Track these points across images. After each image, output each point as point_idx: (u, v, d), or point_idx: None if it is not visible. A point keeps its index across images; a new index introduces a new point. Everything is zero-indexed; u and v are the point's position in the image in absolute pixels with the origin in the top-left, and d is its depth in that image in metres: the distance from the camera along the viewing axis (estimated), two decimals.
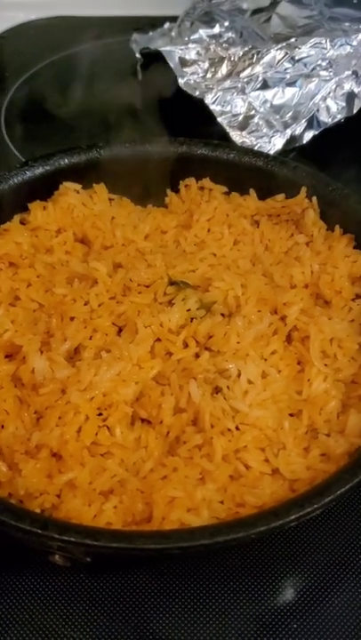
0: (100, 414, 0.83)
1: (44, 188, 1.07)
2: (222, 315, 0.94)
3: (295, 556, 0.82)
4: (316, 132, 1.26)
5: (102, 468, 0.79)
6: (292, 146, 1.25)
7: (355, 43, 1.28)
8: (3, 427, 0.83)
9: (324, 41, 1.27)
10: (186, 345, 0.90)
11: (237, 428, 0.81)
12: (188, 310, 0.92)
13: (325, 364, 0.89)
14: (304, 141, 1.25)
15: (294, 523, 0.69)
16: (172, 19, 1.48)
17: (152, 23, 1.54)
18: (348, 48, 1.27)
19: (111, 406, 0.83)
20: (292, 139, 1.25)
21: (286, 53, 1.26)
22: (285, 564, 0.82)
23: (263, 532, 0.67)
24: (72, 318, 0.91)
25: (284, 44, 1.27)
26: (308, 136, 1.26)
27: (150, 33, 1.52)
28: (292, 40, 1.28)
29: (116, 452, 0.80)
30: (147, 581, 0.80)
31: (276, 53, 1.26)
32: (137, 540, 0.67)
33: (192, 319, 0.91)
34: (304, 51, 1.27)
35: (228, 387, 0.84)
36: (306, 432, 0.83)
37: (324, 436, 0.83)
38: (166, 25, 1.52)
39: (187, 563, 0.80)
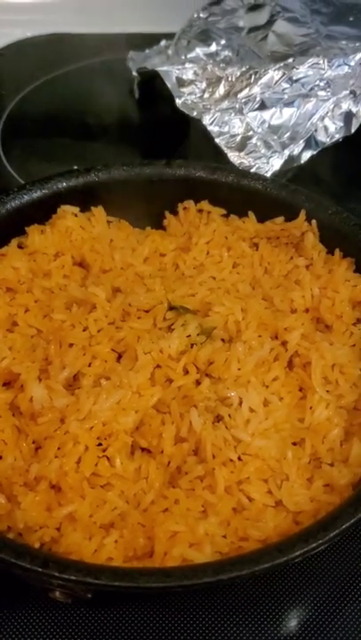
0: (100, 444, 0.82)
1: (42, 212, 1.06)
2: (223, 340, 0.93)
3: (299, 587, 0.81)
4: (315, 152, 1.25)
5: (102, 501, 0.78)
6: (290, 166, 1.24)
7: (352, 63, 1.27)
8: (1, 457, 0.82)
9: (321, 61, 1.27)
10: (186, 371, 0.89)
11: (240, 459, 0.80)
12: (189, 336, 0.91)
13: (327, 391, 0.88)
14: (302, 162, 1.25)
15: (299, 558, 0.68)
16: (169, 36, 1.47)
17: (148, 41, 1.54)
18: (345, 68, 1.27)
19: (111, 436, 0.82)
20: (291, 159, 1.24)
21: (284, 74, 1.26)
22: (289, 595, 0.81)
23: (267, 569, 0.66)
24: (71, 345, 0.90)
25: (281, 64, 1.26)
26: (306, 156, 1.25)
27: (147, 51, 1.52)
28: (290, 60, 1.27)
29: (116, 483, 0.79)
30: (149, 615, 0.78)
31: (273, 74, 1.26)
32: (139, 578, 0.66)
33: (192, 345, 0.90)
34: (302, 71, 1.26)
35: (229, 415, 0.83)
36: (309, 461, 0.82)
37: (328, 465, 0.82)
38: (163, 42, 1.51)
39: (190, 597, 0.79)
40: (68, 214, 1.06)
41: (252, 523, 0.75)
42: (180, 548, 0.72)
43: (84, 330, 0.92)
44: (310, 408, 0.86)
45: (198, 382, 0.88)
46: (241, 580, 0.66)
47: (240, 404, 0.84)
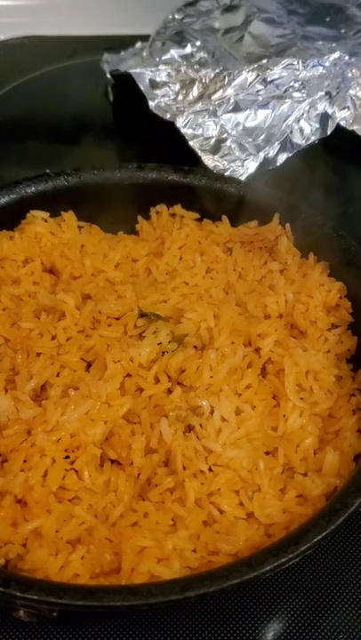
0: (68, 457, 0.79)
1: (11, 217, 1.04)
2: (195, 347, 0.91)
3: (272, 600, 0.79)
4: (290, 155, 1.23)
5: (70, 515, 0.75)
6: (265, 169, 1.22)
7: (327, 63, 1.26)
8: None
9: (296, 62, 1.25)
10: (157, 380, 0.87)
11: (210, 470, 0.78)
12: (160, 344, 0.89)
13: (301, 398, 0.86)
14: (278, 164, 1.23)
15: (269, 573, 0.66)
16: (144, 38, 1.45)
17: (124, 42, 1.52)
18: (320, 69, 1.25)
19: (79, 448, 0.80)
20: (266, 162, 1.22)
21: (258, 75, 1.24)
22: (262, 609, 0.79)
23: (236, 585, 0.64)
24: (39, 354, 0.88)
25: (255, 66, 1.25)
26: (281, 158, 1.23)
27: (122, 53, 1.49)
28: (264, 61, 1.25)
29: (84, 496, 0.77)
30: (117, 632, 0.76)
31: (247, 75, 1.24)
32: (103, 596, 0.63)
33: (163, 353, 0.88)
34: (276, 72, 1.24)
35: (200, 425, 0.82)
36: (282, 471, 0.81)
37: (301, 475, 0.80)
38: (138, 44, 1.49)
39: (158, 613, 0.77)
40: (37, 220, 1.04)
41: (223, 536, 0.73)
42: (148, 564, 0.69)
43: (52, 338, 0.90)
44: (284, 416, 0.84)
45: (170, 391, 0.86)
46: (209, 597, 0.64)
47: (212, 412, 0.83)
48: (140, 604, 0.63)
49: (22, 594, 0.64)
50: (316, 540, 0.67)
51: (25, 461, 0.78)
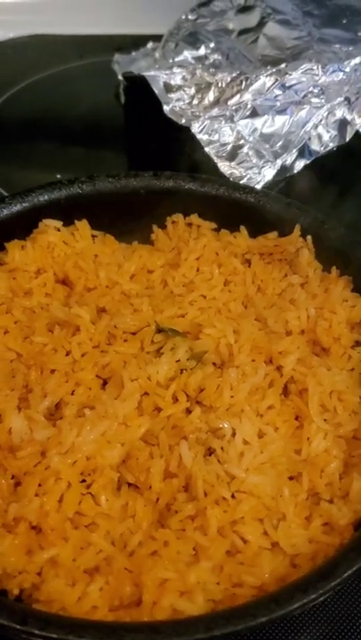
0: (84, 480, 0.76)
1: (23, 226, 1.00)
2: (214, 364, 0.88)
3: (297, 628, 0.76)
4: (308, 162, 1.20)
5: (87, 543, 0.73)
6: (282, 176, 1.19)
7: (347, 69, 1.22)
8: None
9: (315, 67, 1.22)
10: (176, 399, 0.84)
11: (233, 497, 0.75)
12: (178, 361, 0.86)
13: (325, 420, 0.83)
14: (295, 171, 1.20)
15: (298, 611, 0.63)
16: (156, 38, 1.42)
17: (135, 42, 1.48)
18: (340, 74, 1.22)
19: (95, 471, 0.77)
20: (283, 169, 1.19)
21: (276, 80, 1.21)
22: (288, 637, 0.76)
23: (264, 624, 0.61)
24: (53, 370, 0.85)
25: (273, 70, 1.21)
26: (299, 166, 1.20)
27: (133, 53, 1.46)
28: (283, 66, 1.22)
29: (101, 522, 0.74)
30: None
31: (265, 80, 1.21)
32: (125, 635, 0.60)
33: (182, 370, 0.86)
34: (295, 77, 1.21)
35: (222, 448, 0.79)
36: (307, 498, 0.78)
37: (327, 502, 0.77)
38: (149, 45, 1.46)
39: None
40: (50, 229, 1.01)
41: (247, 567, 0.70)
42: (170, 598, 0.66)
43: (66, 354, 0.87)
44: (308, 439, 0.81)
45: (189, 411, 0.83)
46: (236, 636, 0.61)
47: (233, 435, 0.80)
48: None
49: (40, 631, 0.61)
50: (346, 574, 0.65)
51: (40, 485, 0.75)
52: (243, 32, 1.37)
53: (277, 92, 1.21)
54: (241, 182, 1.16)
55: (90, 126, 1.46)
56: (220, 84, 1.23)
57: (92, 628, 0.62)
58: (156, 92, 1.24)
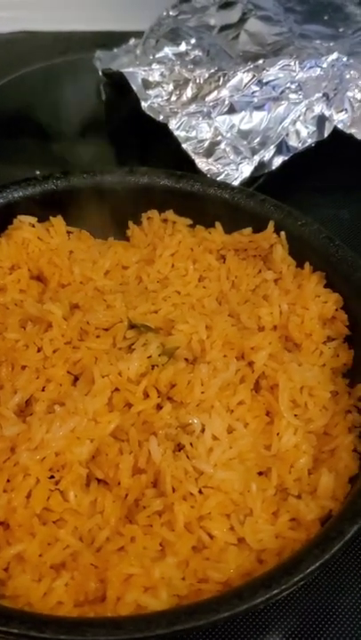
0: (52, 476, 0.76)
1: None
2: (186, 360, 0.88)
3: (266, 623, 0.76)
4: (286, 158, 1.20)
5: (54, 538, 0.72)
6: (260, 172, 1.19)
7: (325, 65, 1.22)
8: None
9: (292, 63, 1.21)
10: (147, 395, 0.84)
11: (201, 492, 0.75)
12: (149, 357, 0.86)
13: (295, 415, 0.83)
14: (273, 167, 1.20)
15: (261, 606, 0.63)
16: (138, 34, 1.42)
17: (118, 38, 1.48)
18: (317, 70, 1.21)
19: (64, 467, 0.77)
20: (261, 165, 1.19)
21: (254, 76, 1.20)
22: (255, 633, 0.76)
23: (226, 619, 0.61)
24: (24, 367, 0.85)
25: (251, 66, 1.21)
26: (277, 162, 1.20)
27: (115, 50, 1.46)
28: (260, 62, 1.22)
29: (69, 518, 0.74)
30: None
31: (243, 76, 1.20)
32: (87, 630, 0.60)
33: (153, 366, 0.85)
34: (272, 73, 1.21)
35: (191, 444, 0.79)
36: (275, 493, 0.77)
37: (294, 497, 0.77)
38: (131, 41, 1.46)
39: None
40: (24, 225, 1.01)
41: (213, 563, 0.70)
42: (135, 594, 0.66)
43: (38, 350, 0.87)
44: (277, 434, 0.81)
45: (159, 407, 0.83)
46: (198, 631, 0.61)
47: (203, 431, 0.79)
48: (125, 638, 0.60)
49: (2, 627, 0.61)
50: (309, 570, 0.65)
51: (8, 481, 0.75)
52: (224, 28, 1.37)
53: (255, 88, 1.20)
54: (219, 179, 1.15)
55: (72, 122, 1.45)
56: (197, 81, 1.23)
57: (54, 623, 0.61)
58: (135, 88, 1.24)
